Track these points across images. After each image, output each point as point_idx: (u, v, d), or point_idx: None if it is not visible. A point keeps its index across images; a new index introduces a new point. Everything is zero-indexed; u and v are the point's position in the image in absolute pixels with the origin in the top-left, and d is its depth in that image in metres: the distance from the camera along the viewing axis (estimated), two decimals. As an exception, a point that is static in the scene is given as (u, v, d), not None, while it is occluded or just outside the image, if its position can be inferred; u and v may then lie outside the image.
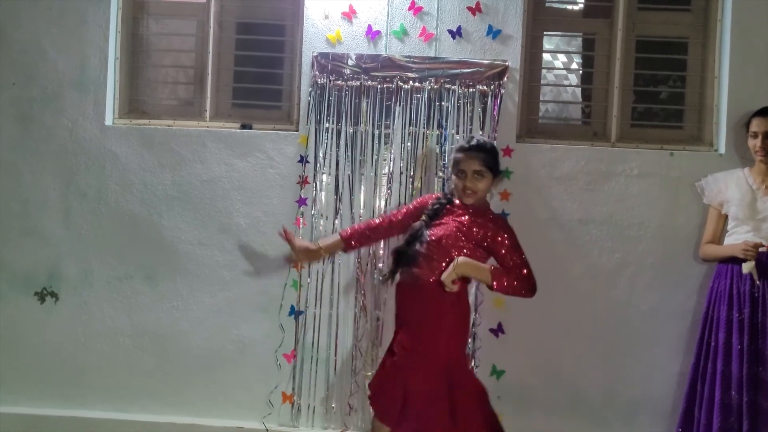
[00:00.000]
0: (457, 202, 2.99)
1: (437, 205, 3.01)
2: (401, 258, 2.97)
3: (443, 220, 2.97)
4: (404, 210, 3.13)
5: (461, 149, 2.96)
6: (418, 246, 2.94)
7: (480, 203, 2.99)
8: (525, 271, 2.88)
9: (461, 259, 2.85)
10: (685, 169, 3.58)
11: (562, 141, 3.70)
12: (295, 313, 3.65)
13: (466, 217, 2.95)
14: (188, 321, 3.72)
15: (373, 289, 3.60)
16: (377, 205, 3.60)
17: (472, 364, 3.52)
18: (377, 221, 3.15)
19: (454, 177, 2.97)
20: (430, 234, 2.94)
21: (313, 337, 3.63)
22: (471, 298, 3.52)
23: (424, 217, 2.99)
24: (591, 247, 3.62)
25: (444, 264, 2.87)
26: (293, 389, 3.65)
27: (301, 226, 3.63)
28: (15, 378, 3.74)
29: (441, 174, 3.55)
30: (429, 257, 2.91)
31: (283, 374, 3.65)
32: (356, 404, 3.60)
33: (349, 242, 3.08)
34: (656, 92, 3.86)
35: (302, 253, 3.11)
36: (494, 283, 2.86)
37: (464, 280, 2.95)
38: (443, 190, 3.45)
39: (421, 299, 2.92)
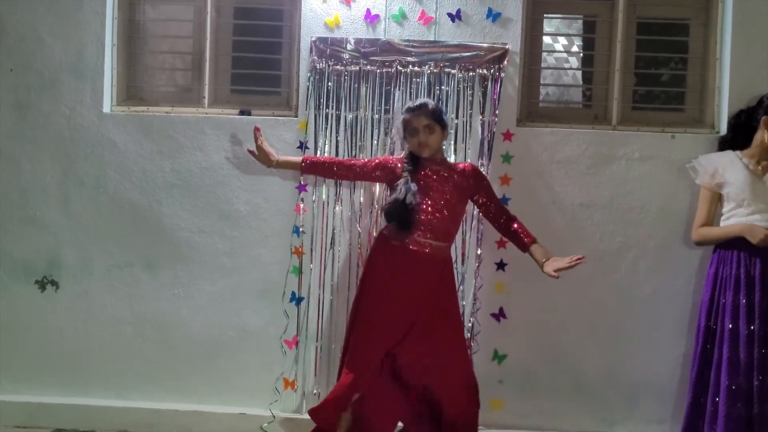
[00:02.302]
0: (423, 159, 3.16)
1: (409, 162, 3.15)
2: (404, 216, 3.05)
3: (422, 179, 3.11)
4: (368, 162, 3.25)
5: (408, 110, 3.16)
6: (411, 203, 3.04)
7: (440, 157, 3.23)
8: (511, 215, 3.23)
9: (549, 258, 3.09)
10: (686, 151, 3.56)
11: (563, 124, 3.68)
12: (296, 299, 3.64)
13: (444, 171, 3.16)
14: (189, 308, 3.71)
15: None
16: (376, 191, 3.59)
17: (473, 349, 3.53)
18: (340, 159, 3.32)
19: (408, 137, 3.16)
20: (421, 196, 3.08)
21: (317, 324, 3.63)
22: (470, 283, 3.54)
23: (405, 173, 3.12)
24: (592, 230, 3.61)
25: (438, 221, 3.08)
26: (295, 375, 3.65)
27: (301, 212, 3.62)
28: (16, 367, 3.75)
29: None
30: (424, 218, 3.07)
31: (286, 361, 3.65)
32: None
33: (306, 163, 3.25)
34: (657, 75, 3.83)
35: (261, 153, 3.28)
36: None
37: (449, 247, 3.22)
38: None
39: (435, 264, 3.11)
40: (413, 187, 3.07)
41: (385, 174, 3.20)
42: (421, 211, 3.06)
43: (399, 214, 3.05)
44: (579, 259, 2.99)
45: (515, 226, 3.18)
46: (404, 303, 3.08)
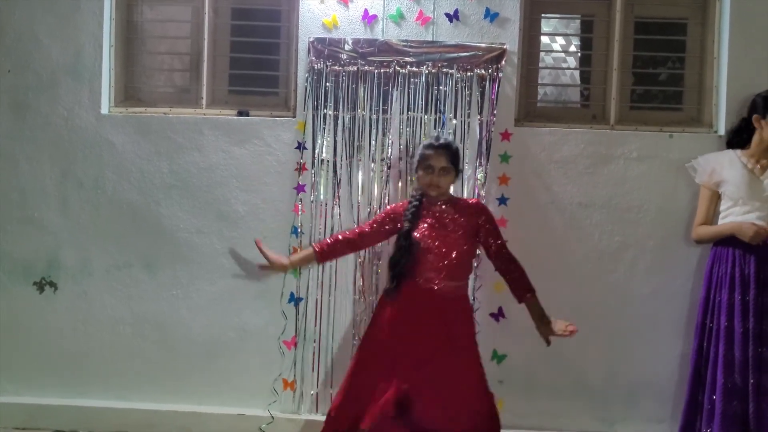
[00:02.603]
0: (425, 201, 3.11)
1: (413, 208, 3.09)
2: (401, 268, 3.02)
3: (425, 222, 3.06)
4: (375, 220, 3.20)
5: (431, 146, 3.09)
6: (412, 252, 3.01)
7: (447, 197, 3.14)
8: (512, 256, 3.13)
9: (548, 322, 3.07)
10: (684, 151, 3.57)
11: (561, 124, 3.68)
12: (294, 300, 3.64)
13: (446, 212, 3.08)
14: (188, 309, 3.71)
15: (370, 275, 3.59)
16: (375, 191, 3.59)
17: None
18: (349, 234, 3.20)
19: (421, 172, 3.10)
20: (422, 239, 3.02)
21: (315, 324, 3.63)
22: (470, 283, 3.54)
23: (406, 223, 3.07)
24: (591, 230, 3.62)
25: (447, 263, 2.99)
26: (294, 376, 3.65)
27: (299, 212, 3.62)
28: (16, 368, 3.75)
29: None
30: (431, 262, 3.00)
31: (285, 361, 3.65)
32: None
33: (322, 255, 3.17)
34: (655, 74, 3.84)
35: (272, 263, 3.17)
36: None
37: (465, 285, 3.15)
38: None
39: (448, 302, 3.02)
40: (411, 237, 3.03)
41: (395, 224, 3.13)
42: (429, 257, 3.00)
43: (398, 265, 3.03)
44: (573, 331, 2.99)
45: (516, 274, 3.08)
46: (411, 341, 2.98)
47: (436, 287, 2.99)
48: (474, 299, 3.52)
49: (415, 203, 3.11)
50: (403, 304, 3.03)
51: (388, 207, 3.32)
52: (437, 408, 2.95)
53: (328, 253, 3.17)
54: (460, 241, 3.03)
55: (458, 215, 3.07)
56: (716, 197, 3.38)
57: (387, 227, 3.15)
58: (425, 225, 3.06)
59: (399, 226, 3.10)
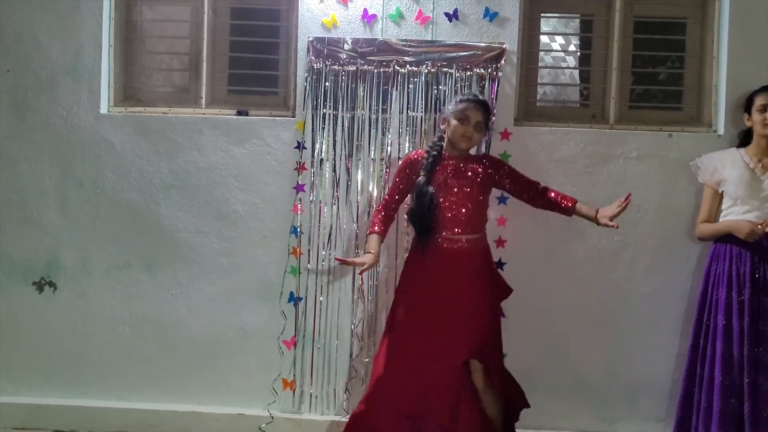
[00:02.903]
0: (445, 153, 3.22)
1: (431, 158, 3.19)
2: (423, 219, 3.12)
3: (443, 173, 3.17)
4: (393, 185, 3.32)
5: (470, 100, 3.18)
6: (431, 202, 3.10)
7: (466, 153, 3.26)
8: (539, 188, 3.29)
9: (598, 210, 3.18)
10: (684, 150, 3.57)
11: (561, 124, 3.68)
12: (294, 299, 3.64)
13: (462, 164, 3.20)
14: (188, 309, 3.71)
15: (370, 275, 3.59)
16: (374, 191, 3.59)
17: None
18: (385, 202, 3.31)
19: (455, 122, 3.16)
20: (439, 191, 3.13)
21: (314, 324, 3.63)
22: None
23: (422, 173, 3.16)
24: (591, 230, 3.60)
25: (465, 214, 3.13)
26: (294, 376, 3.66)
27: (299, 212, 3.62)
28: (15, 368, 3.75)
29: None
30: (450, 215, 3.13)
31: (284, 361, 3.65)
32: (353, 389, 3.61)
33: (384, 233, 3.29)
34: (655, 73, 3.84)
35: (367, 266, 3.19)
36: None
37: (485, 236, 3.27)
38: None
39: (472, 256, 3.17)
40: (430, 189, 3.12)
41: (411, 179, 3.23)
42: (444, 209, 3.12)
43: (419, 219, 3.13)
44: (626, 199, 3.10)
45: (552, 195, 3.24)
46: (441, 302, 3.12)
47: (454, 242, 3.12)
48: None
49: (433, 153, 3.20)
50: (426, 262, 3.15)
51: (404, 159, 3.34)
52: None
53: (382, 230, 3.26)
54: (476, 192, 3.16)
55: (467, 168, 3.18)
56: (719, 196, 3.39)
57: (405, 185, 3.25)
58: (442, 177, 3.16)
59: (415, 177, 3.20)
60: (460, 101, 3.20)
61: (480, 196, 3.19)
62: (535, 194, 3.27)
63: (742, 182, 3.27)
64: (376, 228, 3.23)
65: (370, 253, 3.19)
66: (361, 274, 3.48)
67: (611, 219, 3.10)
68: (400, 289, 3.30)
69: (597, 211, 3.16)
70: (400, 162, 3.37)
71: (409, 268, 3.27)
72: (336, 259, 3.36)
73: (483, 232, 3.25)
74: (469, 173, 3.18)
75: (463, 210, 3.14)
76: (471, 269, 3.16)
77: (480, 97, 3.25)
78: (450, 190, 3.15)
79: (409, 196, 3.27)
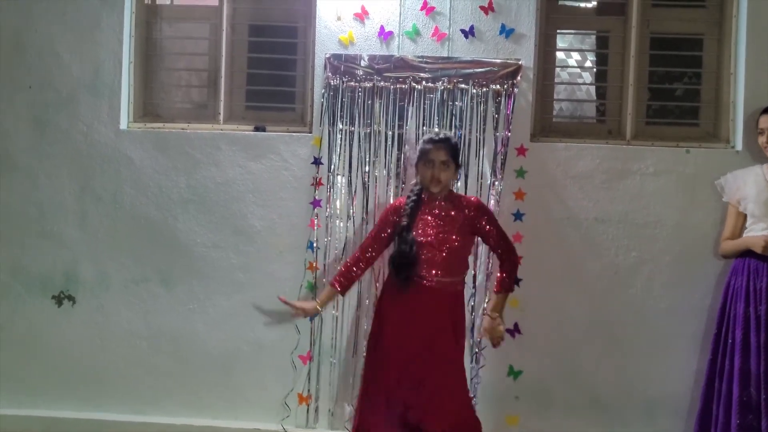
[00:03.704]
0: (425, 198, 3.15)
1: (412, 203, 3.13)
2: (402, 265, 3.05)
3: (423, 218, 3.10)
4: (374, 229, 3.26)
5: (430, 141, 3.13)
6: (411, 249, 3.04)
7: (447, 191, 3.17)
8: (515, 253, 3.18)
9: (492, 317, 3.12)
10: (701, 166, 3.56)
11: (577, 139, 3.68)
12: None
13: (443, 207, 3.12)
14: (204, 323, 3.73)
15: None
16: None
17: (481, 363, 3.53)
18: (356, 253, 3.24)
19: (421, 167, 3.12)
20: (419, 235, 3.06)
21: (332, 339, 3.63)
22: (479, 299, 3.54)
23: (404, 218, 3.10)
24: (607, 245, 3.60)
25: (443, 258, 3.04)
26: (308, 391, 3.65)
27: (315, 227, 3.63)
28: (34, 381, 3.77)
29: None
30: (427, 258, 3.04)
31: (299, 376, 3.65)
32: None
33: (342, 286, 3.22)
34: (671, 89, 3.83)
35: (306, 311, 3.26)
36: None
37: (461, 282, 3.17)
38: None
39: (442, 297, 3.07)
40: (411, 236, 3.05)
41: (393, 224, 3.16)
42: (421, 251, 3.04)
43: (399, 265, 3.06)
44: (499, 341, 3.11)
45: (502, 274, 3.13)
46: (411, 341, 3.03)
47: (429, 283, 3.03)
48: (483, 314, 3.50)
49: (413, 197, 3.14)
50: (401, 301, 3.07)
51: (387, 206, 3.33)
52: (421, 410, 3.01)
53: (346, 283, 3.21)
54: (456, 237, 3.06)
55: (456, 212, 3.10)
56: (742, 215, 3.38)
57: (389, 230, 3.18)
58: (423, 221, 3.09)
59: (399, 220, 3.14)
60: (422, 143, 3.16)
61: (457, 240, 3.06)
62: (498, 253, 3.17)
63: (759, 200, 3.26)
64: (336, 284, 3.20)
65: (314, 301, 3.25)
66: (292, 317, 3.41)
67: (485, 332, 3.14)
68: (372, 331, 3.21)
69: (492, 315, 3.11)
70: (381, 214, 3.31)
71: (383, 307, 3.16)
72: (279, 298, 3.27)
73: (460, 276, 3.14)
74: (449, 217, 3.09)
75: (440, 253, 3.03)
76: (441, 313, 3.05)
77: (440, 135, 3.20)
78: (428, 232, 3.06)
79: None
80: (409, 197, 3.16)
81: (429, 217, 3.10)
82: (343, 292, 3.25)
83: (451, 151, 3.11)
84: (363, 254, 3.21)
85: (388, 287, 3.18)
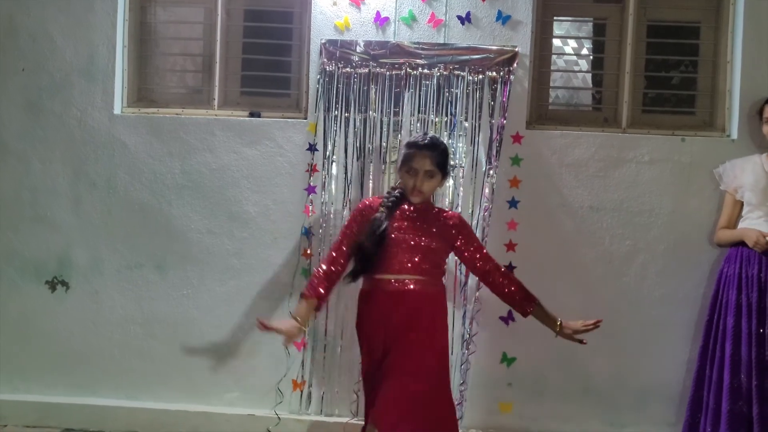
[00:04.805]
0: (405, 205, 2.83)
1: (394, 198, 2.81)
2: (368, 258, 2.75)
3: (398, 223, 2.79)
4: (344, 229, 2.91)
5: (414, 145, 2.79)
6: (381, 242, 2.73)
7: (426, 203, 2.86)
8: (498, 264, 2.87)
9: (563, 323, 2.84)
10: (696, 155, 3.56)
11: (573, 127, 3.67)
12: (304, 301, 3.64)
13: (422, 216, 2.81)
14: (198, 309, 3.73)
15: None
16: (386, 193, 3.57)
17: (471, 349, 3.52)
18: (326, 259, 2.87)
19: (404, 173, 2.79)
20: (394, 234, 2.76)
21: (324, 325, 3.63)
22: (472, 286, 3.53)
23: (382, 209, 2.78)
24: (602, 234, 3.60)
25: (412, 261, 2.75)
26: (302, 377, 3.66)
27: (310, 213, 3.63)
28: (28, 366, 3.77)
29: (452, 162, 3.45)
30: (397, 260, 2.76)
31: (293, 362, 3.65)
32: (361, 391, 3.60)
33: (320, 298, 2.81)
34: (668, 77, 3.82)
35: (290, 332, 2.76)
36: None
37: (440, 276, 2.86)
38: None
39: (419, 298, 2.78)
40: (385, 224, 2.73)
41: (360, 224, 2.83)
42: (393, 254, 2.74)
43: (364, 250, 2.74)
44: (595, 324, 2.80)
45: (513, 288, 2.81)
46: (385, 341, 2.77)
47: (400, 284, 2.74)
48: (475, 301, 3.51)
49: (396, 194, 2.82)
50: (375, 300, 2.79)
51: (359, 205, 2.95)
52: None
53: (324, 294, 2.81)
54: (431, 240, 2.76)
55: (434, 228, 2.79)
56: (739, 203, 3.40)
57: (355, 229, 2.84)
58: (397, 226, 2.78)
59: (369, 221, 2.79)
60: (406, 146, 2.82)
61: (433, 243, 2.77)
62: (488, 272, 2.83)
63: (757, 188, 3.27)
64: (313, 292, 2.77)
65: (294, 320, 2.74)
66: (284, 345, 2.95)
67: (573, 337, 2.82)
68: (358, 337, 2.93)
69: (560, 324, 2.83)
70: (352, 213, 3.04)
71: (361, 313, 2.88)
72: (257, 320, 2.74)
73: (436, 278, 2.82)
74: (426, 226, 2.78)
75: (413, 258, 2.74)
76: (422, 312, 2.76)
77: (426, 139, 2.81)
78: (404, 237, 2.75)
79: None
80: (386, 198, 2.84)
81: (405, 223, 2.79)
82: (321, 304, 2.83)
83: (437, 159, 2.76)
84: (334, 259, 2.84)
85: (363, 291, 2.88)
